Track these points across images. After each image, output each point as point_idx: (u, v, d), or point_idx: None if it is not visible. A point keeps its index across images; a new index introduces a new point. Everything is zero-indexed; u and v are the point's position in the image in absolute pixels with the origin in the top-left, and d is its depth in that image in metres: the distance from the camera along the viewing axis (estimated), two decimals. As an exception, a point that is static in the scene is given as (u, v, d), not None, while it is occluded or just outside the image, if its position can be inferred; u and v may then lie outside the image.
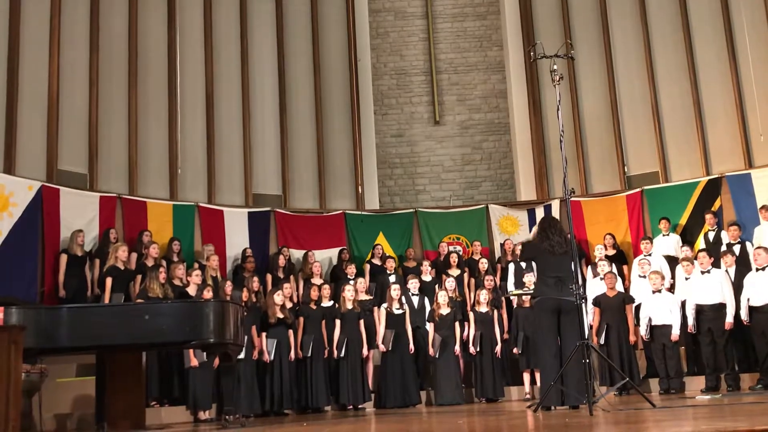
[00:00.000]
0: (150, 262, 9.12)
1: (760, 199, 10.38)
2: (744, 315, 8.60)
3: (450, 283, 9.92)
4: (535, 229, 7.08)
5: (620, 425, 4.49)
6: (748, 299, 8.57)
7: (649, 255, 10.02)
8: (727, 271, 9.05)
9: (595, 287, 9.61)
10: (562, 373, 6.19)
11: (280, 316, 8.86)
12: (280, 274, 10.33)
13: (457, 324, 9.47)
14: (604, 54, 12.32)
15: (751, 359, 8.92)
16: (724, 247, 9.75)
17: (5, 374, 4.81)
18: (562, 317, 6.41)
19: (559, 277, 6.42)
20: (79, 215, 9.62)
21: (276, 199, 11.94)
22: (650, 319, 9.00)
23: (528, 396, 9.31)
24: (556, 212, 11.73)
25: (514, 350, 9.44)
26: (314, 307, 9.30)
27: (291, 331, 8.96)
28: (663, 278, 9.18)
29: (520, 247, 10.70)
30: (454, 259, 10.83)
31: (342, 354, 9.09)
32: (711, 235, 10.33)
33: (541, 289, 6.57)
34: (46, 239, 9.25)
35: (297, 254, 11.19)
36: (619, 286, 9.50)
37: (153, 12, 11.30)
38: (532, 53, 6.70)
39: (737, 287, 8.77)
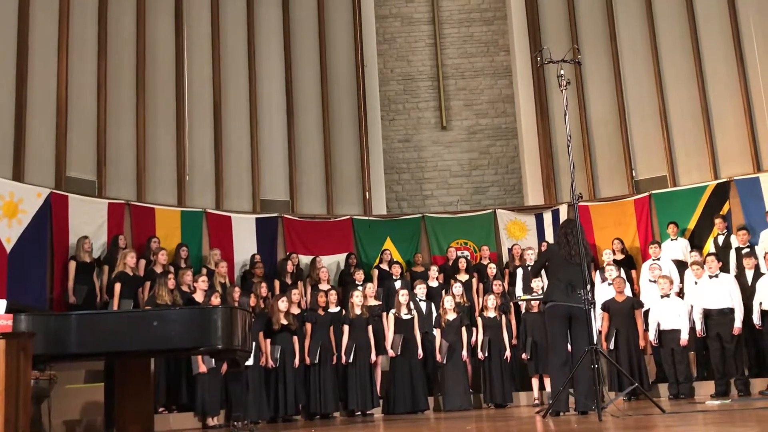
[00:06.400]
0: (158, 269, 9.15)
1: (769, 202, 10.35)
2: (756, 319, 8.57)
3: (457, 288, 9.91)
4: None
5: (629, 431, 4.47)
6: (761, 303, 8.54)
7: (658, 259, 9.99)
8: (745, 273, 8.99)
9: (603, 292, 9.59)
10: (572, 379, 6.18)
11: (284, 322, 8.85)
12: (288, 280, 10.33)
13: (464, 329, 9.45)
14: (612, 58, 12.30)
15: (761, 363, 8.89)
16: (733, 252, 9.71)
17: (15, 381, 4.83)
18: (574, 324, 6.38)
19: (571, 283, 6.40)
20: (87, 222, 9.65)
21: (284, 204, 11.96)
22: (659, 324, 8.96)
23: (537, 401, 9.27)
24: (564, 217, 11.69)
25: (523, 356, 9.40)
26: (322, 312, 9.30)
27: (295, 338, 8.95)
28: (671, 283, 9.15)
29: (529, 252, 10.73)
30: (462, 264, 10.81)
31: (350, 360, 9.08)
32: (720, 240, 10.29)
33: (552, 293, 6.54)
34: (54, 246, 9.28)
35: (305, 260, 11.20)
36: (628, 291, 9.47)
37: (161, 19, 11.35)
38: (539, 58, 6.69)
39: (743, 291, 8.75)
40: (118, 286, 8.80)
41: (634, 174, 11.89)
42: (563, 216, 11.70)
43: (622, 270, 9.96)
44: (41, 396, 6.61)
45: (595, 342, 5.96)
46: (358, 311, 9.31)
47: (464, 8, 13.78)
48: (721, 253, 9.68)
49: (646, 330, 9.11)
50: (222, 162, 11.55)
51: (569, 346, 6.56)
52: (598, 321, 9.10)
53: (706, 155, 11.38)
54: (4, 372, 4.77)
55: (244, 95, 12.02)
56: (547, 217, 11.92)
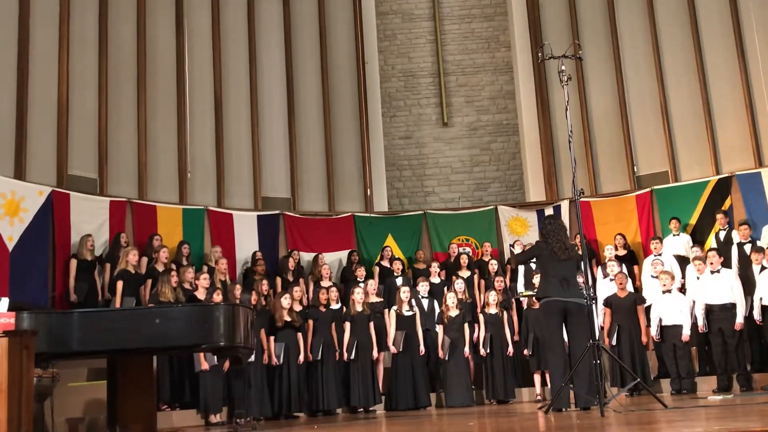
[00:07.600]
0: (160, 267, 9.15)
1: (771, 197, 10.33)
2: (757, 314, 8.56)
3: (459, 284, 9.91)
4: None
5: (632, 426, 4.48)
6: (761, 298, 8.53)
7: (660, 255, 9.98)
8: (752, 268, 8.96)
9: (605, 288, 9.59)
10: (572, 375, 6.18)
11: (288, 319, 8.87)
12: (290, 277, 10.34)
13: (466, 326, 9.46)
14: (613, 54, 12.28)
15: (764, 359, 8.88)
16: (734, 247, 9.70)
17: (17, 379, 4.83)
18: (569, 319, 6.39)
19: (564, 278, 6.40)
20: (89, 220, 9.65)
21: (285, 202, 11.96)
22: (661, 320, 8.97)
23: (539, 397, 9.28)
24: (565, 213, 11.71)
25: (525, 352, 9.41)
26: (323, 309, 9.31)
27: (299, 334, 8.96)
28: (673, 278, 9.15)
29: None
30: (464, 260, 10.81)
31: (352, 356, 9.09)
32: (722, 235, 10.27)
33: (546, 289, 6.53)
34: (56, 244, 9.28)
35: (306, 257, 11.21)
36: (630, 287, 9.47)
37: (161, 17, 11.34)
38: (540, 54, 6.71)
39: (746, 286, 8.73)
40: (120, 284, 8.80)
41: (635, 169, 11.88)
42: (565, 212, 11.72)
43: (623, 265, 9.95)
44: (44, 394, 6.62)
45: (596, 337, 5.96)
46: (359, 308, 9.32)
47: (465, 4, 13.76)
48: (723, 249, 9.67)
49: (648, 325, 9.11)
50: (223, 159, 11.55)
51: (566, 342, 6.57)
52: (600, 317, 9.10)
53: (707, 150, 11.35)
54: (6, 370, 4.77)
55: (245, 92, 12.01)
56: (549, 213, 11.89)
